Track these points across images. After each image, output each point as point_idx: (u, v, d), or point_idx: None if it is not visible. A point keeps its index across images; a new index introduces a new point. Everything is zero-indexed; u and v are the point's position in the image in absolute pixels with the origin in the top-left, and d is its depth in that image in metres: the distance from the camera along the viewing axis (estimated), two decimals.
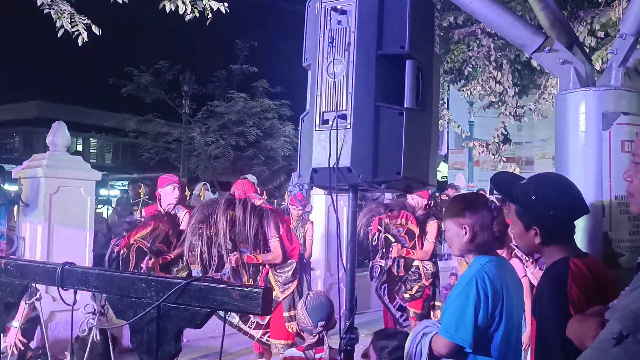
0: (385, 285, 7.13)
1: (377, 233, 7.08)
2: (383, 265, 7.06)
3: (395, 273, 7.03)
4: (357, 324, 2.79)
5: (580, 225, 2.50)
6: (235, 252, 5.62)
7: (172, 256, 6.12)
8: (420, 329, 3.01)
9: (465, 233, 2.84)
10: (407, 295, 7.01)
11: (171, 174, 6.77)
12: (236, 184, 6.16)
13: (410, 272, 7.01)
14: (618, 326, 1.56)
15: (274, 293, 5.94)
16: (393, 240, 6.96)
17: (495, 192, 2.68)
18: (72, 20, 6.28)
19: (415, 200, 7.09)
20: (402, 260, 6.98)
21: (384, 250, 7.03)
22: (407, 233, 7.04)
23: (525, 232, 2.41)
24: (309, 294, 3.82)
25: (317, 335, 3.49)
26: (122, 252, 5.91)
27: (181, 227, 6.35)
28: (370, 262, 7.30)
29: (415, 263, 7.03)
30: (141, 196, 9.38)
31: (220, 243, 5.40)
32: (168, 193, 6.41)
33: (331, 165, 2.54)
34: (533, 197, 2.38)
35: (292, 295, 6.00)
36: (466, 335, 2.70)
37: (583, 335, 1.96)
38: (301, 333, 3.69)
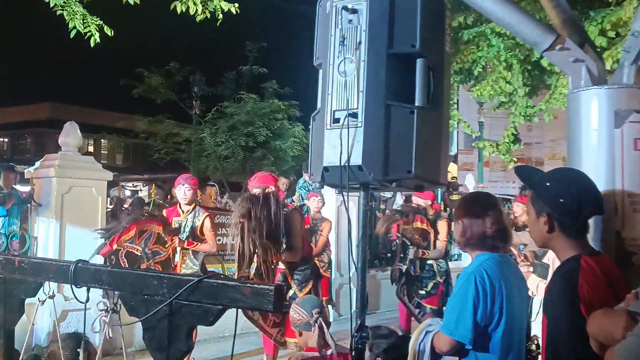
0: (405, 286, 7.48)
1: (395, 240, 7.53)
2: (402, 268, 7.42)
3: (412, 273, 7.38)
4: (367, 323, 2.79)
5: (592, 223, 2.48)
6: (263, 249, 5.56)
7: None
8: (424, 327, 3.03)
9: (460, 228, 2.92)
10: (422, 292, 7.38)
11: (185, 175, 6.73)
12: (266, 179, 6.01)
13: (425, 271, 7.40)
14: None
15: (292, 291, 5.94)
16: (409, 243, 7.31)
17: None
18: (85, 21, 6.30)
19: (422, 202, 7.53)
20: (418, 260, 7.34)
21: (402, 254, 7.42)
22: (421, 234, 7.39)
23: (536, 219, 2.42)
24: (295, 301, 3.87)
25: (316, 325, 3.49)
26: (110, 258, 5.88)
27: (203, 230, 6.39)
28: (391, 267, 7.77)
29: (429, 262, 7.40)
30: (152, 196, 9.42)
31: (253, 239, 5.35)
32: (178, 194, 6.50)
33: (342, 164, 2.54)
34: (547, 184, 2.40)
35: (310, 294, 5.99)
36: (465, 332, 2.71)
37: (611, 327, 1.94)
38: (300, 337, 3.68)
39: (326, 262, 8.03)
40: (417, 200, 7.54)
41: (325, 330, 3.48)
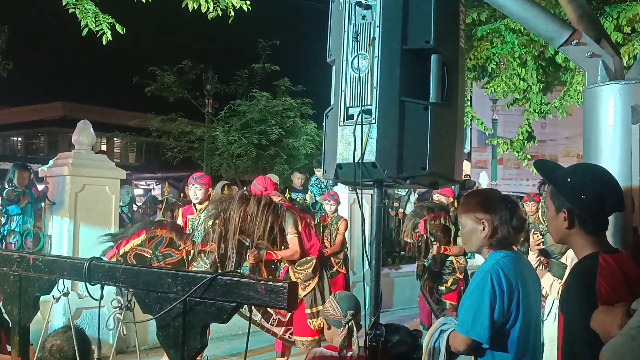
0: (427, 282, 7.60)
1: (423, 235, 7.54)
2: (425, 264, 7.52)
3: (434, 269, 7.49)
4: (380, 321, 2.78)
5: (610, 220, 2.46)
6: (254, 249, 5.62)
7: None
8: (438, 326, 2.99)
9: (484, 228, 2.84)
10: (442, 288, 7.49)
11: (196, 174, 6.73)
12: (258, 179, 6.14)
13: (445, 267, 7.51)
14: None
15: None
16: (433, 239, 7.42)
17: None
18: (97, 19, 6.33)
19: (440, 199, 7.66)
20: (439, 256, 7.42)
21: (425, 250, 7.50)
22: (442, 230, 7.47)
23: (556, 215, 2.39)
24: (335, 293, 3.82)
25: (346, 326, 3.46)
26: (118, 260, 5.91)
27: None
28: (417, 263, 7.81)
29: (450, 258, 7.49)
30: (165, 195, 9.45)
31: (233, 239, 5.39)
32: (190, 194, 6.52)
33: (356, 161, 2.52)
34: (569, 179, 2.37)
35: (314, 292, 5.99)
36: (482, 331, 2.68)
37: (609, 325, 1.93)
38: (327, 330, 3.65)
39: (341, 259, 8.08)
40: (439, 197, 7.61)
41: (354, 333, 3.43)
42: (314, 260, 6.07)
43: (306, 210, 7.73)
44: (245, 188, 5.87)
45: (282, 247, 5.85)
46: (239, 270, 5.58)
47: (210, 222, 5.52)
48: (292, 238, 5.81)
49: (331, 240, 8.07)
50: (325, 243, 7.88)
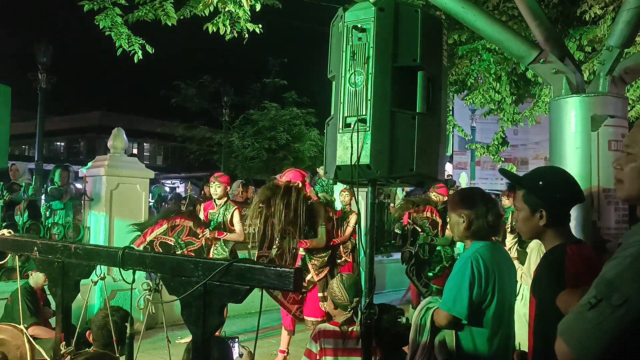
0: (414, 267, 7.55)
1: (407, 225, 7.53)
2: (412, 251, 7.49)
3: (422, 257, 7.46)
4: (374, 302, 2.78)
5: (574, 214, 2.46)
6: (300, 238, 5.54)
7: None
8: (424, 304, 3.01)
9: (463, 221, 2.84)
10: (430, 274, 7.47)
11: (217, 173, 6.73)
12: (295, 175, 5.85)
13: (433, 255, 7.48)
14: (594, 292, 1.57)
15: (310, 275, 5.91)
16: (420, 230, 7.42)
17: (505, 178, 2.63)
18: (129, 41, 6.31)
19: (438, 197, 7.67)
20: (427, 245, 7.42)
21: (412, 238, 7.49)
22: (431, 223, 7.47)
23: (531, 215, 2.36)
24: (341, 275, 3.78)
25: (352, 311, 3.47)
26: (146, 248, 5.92)
27: (233, 221, 6.41)
28: (402, 250, 7.76)
29: (438, 248, 7.47)
30: (188, 192, 9.46)
31: (274, 224, 5.33)
32: (211, 190, 6.53)
33: (353, 163, 2.53)
34: (540, 183, 2.36)
35: (326, 278, 5.96)
36: (462, 309, 2.70)
37: (570, 304, 1.94)
38: (333, 310, 3.63)
39: (349, 249, 8.04)
40: (437, 195, 7.66)
41: (357, 318, 3.42)
42: (329, 250, 6.07)
43: (329, 204, 7.77)
44: (290, 180, 5.71)
45: (305, 236, 5.77)
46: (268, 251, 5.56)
47: (257, 205, 5.43)
48: (322, 228, 5.79)
49: (341, 232, 8.05)
50: (339, 233, 7.88)
